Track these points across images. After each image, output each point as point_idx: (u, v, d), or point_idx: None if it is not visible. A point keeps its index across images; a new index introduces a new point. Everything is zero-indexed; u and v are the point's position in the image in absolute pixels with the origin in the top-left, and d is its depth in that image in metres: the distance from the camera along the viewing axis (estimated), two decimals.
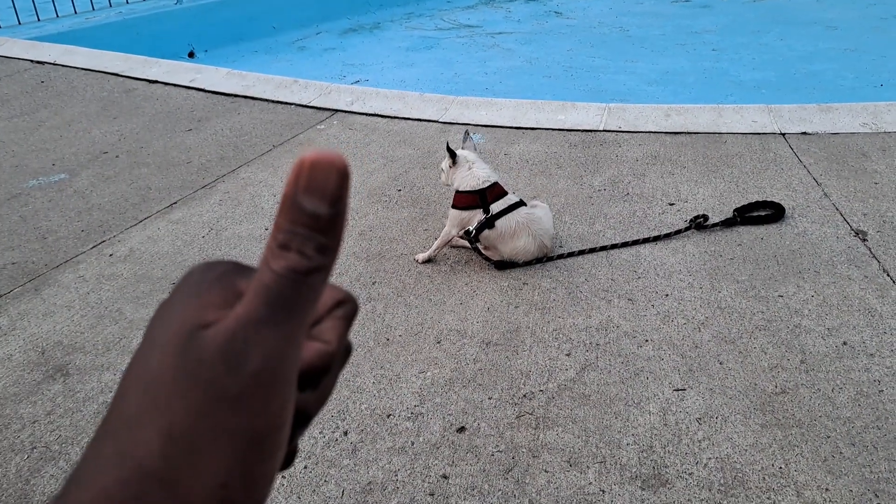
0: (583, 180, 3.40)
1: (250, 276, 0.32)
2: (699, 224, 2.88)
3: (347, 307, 0.35)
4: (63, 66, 5.39)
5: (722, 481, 1.81)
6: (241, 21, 8.22)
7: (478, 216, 2.71)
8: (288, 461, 0.33)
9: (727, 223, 2.92)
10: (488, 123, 4.07)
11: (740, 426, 1.98)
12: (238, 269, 0.33)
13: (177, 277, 2.82)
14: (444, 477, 1.88)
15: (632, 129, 3.87)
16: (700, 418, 2.01)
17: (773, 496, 1.77)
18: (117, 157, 3.91)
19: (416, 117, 4.24)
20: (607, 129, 3.91)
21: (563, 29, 8.21)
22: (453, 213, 2.76)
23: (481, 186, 2.70)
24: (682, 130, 3.88)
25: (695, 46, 7.23)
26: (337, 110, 4.41)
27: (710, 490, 1.79)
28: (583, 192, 3.29)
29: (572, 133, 3.91)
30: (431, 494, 1.84)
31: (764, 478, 1.82)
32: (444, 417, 2.09)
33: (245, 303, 0.29)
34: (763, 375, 2.16)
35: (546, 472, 1.87)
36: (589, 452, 1.92)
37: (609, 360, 2.25)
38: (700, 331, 2.36)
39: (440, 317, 2.53)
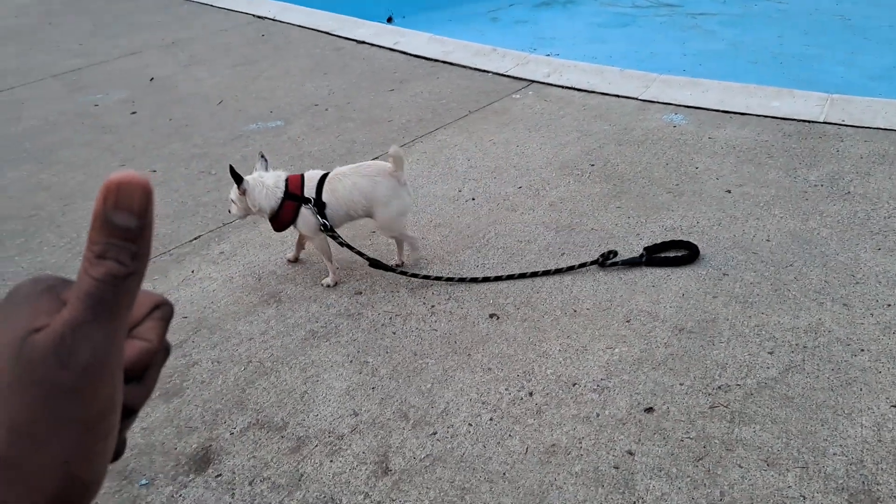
0: (797, 173, 3.16)
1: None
2: (601, 263, 2.60)
3: (165, 309, 0.39)
4: (281, 21, 5.80)
5: None
6: None
7: (311, 220, 2.50)
8: (119, 452, 0.37)
9: (630, 262, 2.61)
10: (692, 105, 3.89)
11: None
12: (62, 282, 0.36)
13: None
14: (630, 453, 1.86)
15: (857, 124, 3.54)
16: None
17: None
18: (326, 110, 4.17)
19: (614, 93, 4.14)
20: (828, 121, 3.59)
21: (773, 12, 7.63)
22: (302, 228, 2.55)
23: (280, 188, 2.49)
24: None
25: None
26: (533, 81, 4.40)
27: None
28: (796, 185, 3.07)
29: (787, 122, 3.64)
30: (616, 467, 1.82)
31: None
32: (631, 395, 2.05)
33: (70, 307, 0.32)
34: None
35: (740, 467, 1.79)
36: (789, 455, 1.81)
37: (817, 364, 2.10)
38: None
39: (630, 296, 2.48)
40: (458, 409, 2.04)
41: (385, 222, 2.56)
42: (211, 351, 2.34)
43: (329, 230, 2.50)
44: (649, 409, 1.99)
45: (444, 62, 4.80)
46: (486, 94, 4.27)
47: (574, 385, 2.11)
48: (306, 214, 2.49)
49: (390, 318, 2.44)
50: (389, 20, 7.81)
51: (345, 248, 2.56)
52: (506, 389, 2.10)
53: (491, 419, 2.00)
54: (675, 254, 2.66)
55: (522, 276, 2.59)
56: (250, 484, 1.85)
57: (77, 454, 0.33)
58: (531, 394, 2.08)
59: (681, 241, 2.70)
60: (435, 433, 1.96)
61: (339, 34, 5.42)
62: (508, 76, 4.49)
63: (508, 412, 2.02)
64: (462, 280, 2.57)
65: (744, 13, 7.65)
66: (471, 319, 2.40)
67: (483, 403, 2.05)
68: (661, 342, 2.25)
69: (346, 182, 2.49)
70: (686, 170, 3.26)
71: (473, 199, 3.13)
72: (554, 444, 1.90)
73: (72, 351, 0.32)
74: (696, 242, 2.67)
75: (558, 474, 1.81)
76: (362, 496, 1.79)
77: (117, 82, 4.72)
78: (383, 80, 4.57)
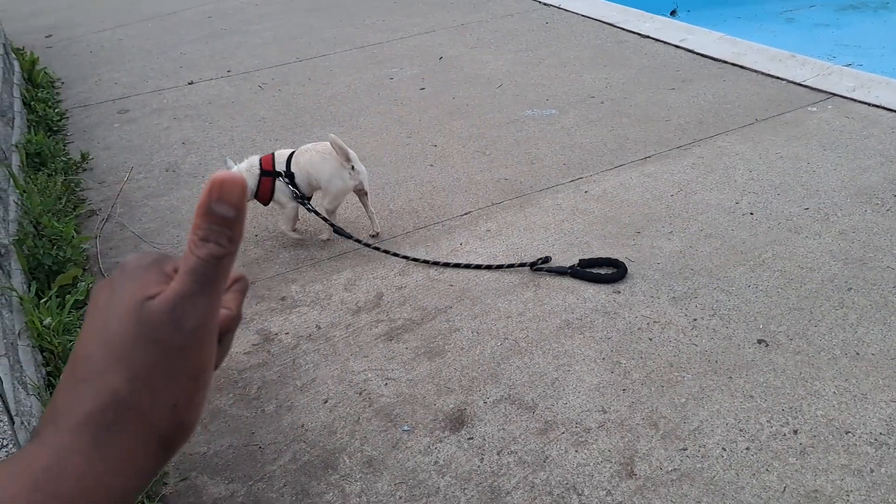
0: None
1: (173, 262, 0.42)
2: (532, 266, 2.71)
3: (242, 283, 0.47)
4: (566, 10, 5.88)
5: None
6: None
7: (285, 189, 2.90)
8: None
9: (558, 271, 2.68)
10: None
11: None
12: (164, 257, 0.42)
13: (642, 227, 2.94)
14: None
15: None
16: None
17: None
18: (602, 103, 4.16)
19: None
20: None
21: None
22: (278, 197, 2.93)
23: (256, 166, 2.90)
24: None
25: None
26: (833, 94, 4.00)
27: None
28: None
29: None
30: None
31: None
32: None
33: (178, 280, 0.39)
34: None
35: None
36: None
37: None
38: None
39: None
40: (712, 430, 1.97)
41: (324, 196, 2.93)
42: (472, 321, 2.50)
43: (300, 198, 2.89)
44: None
45: (733, 64, 4.54)
46: (777, 103, 3.97)
47: (847, 433, 1.93)
48: (280, 185, 2.91)
49: (647, 324, 2.41)
50: (673, 13, 7.55)
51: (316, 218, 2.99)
52: (767, 422, 1.99)
53: (748, 448, 1.91)
54: (603, 271, 2.68)
55: (458, 265, 2.79)
56: (498, 454, 1.97)
57: (183, 400, 0.40)
58: (795, 432, 1.95)
59: (610, 259, 2.72)
60: (685, 449, 1.92)
61: (623, 26, 5.36)
62: (805, 86, 4.12)
63: (768, 445, 1.91)
64: (415, 260, 2.84)
65: None
66: (736, 341, 2.29)
67: (741, 431, 1.96)
68: None
69: (306, 157, 2.89)
70: None
71: (751, 214, 2.95)
72: (816, 490, 1.77)
73: (183, 316, 0.39)
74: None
75: None
76: (604, 492, 1.82)
77: (411, 58, 5.14)
78: (664, 77, 4.45)
